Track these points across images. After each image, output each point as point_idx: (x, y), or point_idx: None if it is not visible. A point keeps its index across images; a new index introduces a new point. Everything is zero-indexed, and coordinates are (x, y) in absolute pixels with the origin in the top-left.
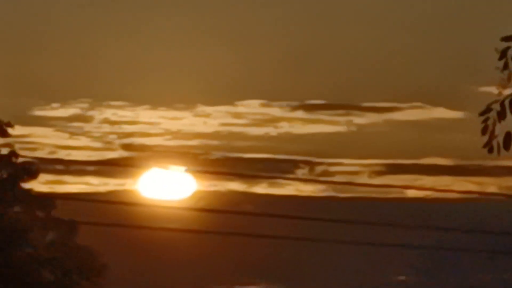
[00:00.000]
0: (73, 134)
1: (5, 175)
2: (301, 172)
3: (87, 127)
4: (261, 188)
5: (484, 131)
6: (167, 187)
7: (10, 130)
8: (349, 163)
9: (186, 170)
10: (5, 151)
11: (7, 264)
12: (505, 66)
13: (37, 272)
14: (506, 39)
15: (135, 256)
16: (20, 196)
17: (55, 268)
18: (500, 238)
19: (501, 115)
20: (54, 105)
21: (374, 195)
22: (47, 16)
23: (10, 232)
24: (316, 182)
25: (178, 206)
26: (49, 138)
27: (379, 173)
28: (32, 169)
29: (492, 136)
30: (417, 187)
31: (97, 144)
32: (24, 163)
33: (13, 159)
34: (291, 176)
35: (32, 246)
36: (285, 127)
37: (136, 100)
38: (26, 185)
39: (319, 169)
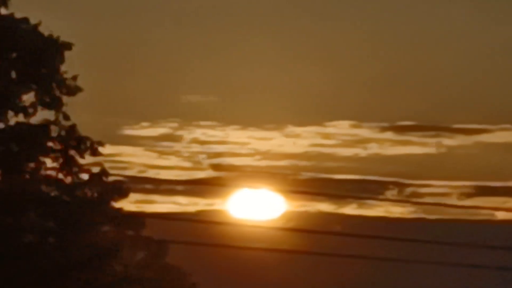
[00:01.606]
0: (162, 153)
1: (95, 194)
2: (390, 193)
3: (176, 146)
4: (350, 209)
5: None
6: (256, 207)
7: (100, 149)
8: (438, 185)
9: (276, 191)
10: (95, 170)
11: (97, 283)
12: None
13: None
14: None
15: (224, 276)
16: (111, 215)
17: None
18: None
19: None
20: (144, 124)
21: (463, 216)
22: (138, 35)
23: (100, 250)
24: (405, 204)
25: (267, 226)
26: (138, 157)
27: (469, 195)
28: (122, 188)
29: None
30: (506, 209)
31: (186, 164)
32: (114, 182)
33: (104, 178)
34: (381, 197)
35: (122, 265)
36: (374, 148)
37: (225, 120)
38: (116, 204)
39: (408, 190)
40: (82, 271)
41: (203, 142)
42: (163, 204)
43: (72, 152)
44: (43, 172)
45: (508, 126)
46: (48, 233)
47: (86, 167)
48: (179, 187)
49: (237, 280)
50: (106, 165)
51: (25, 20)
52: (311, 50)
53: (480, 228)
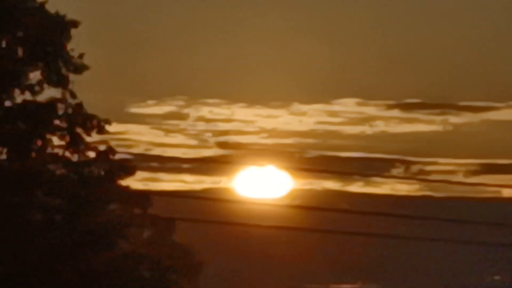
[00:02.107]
0: (168, 131)
1: (102, 172)
2: (396, 171)
3: (182, 124)
4: (356, 187)
5: None
6: (262, 185)
7: (107, 127)
8: (444, 162)
9: (282, 168)
10: (102, 148)
11: (104, 261)
12: None
13: (134, 269)
14: None
15: (231, 254)
16: (117, 193)
17: (152, 266)
18: None
19: None
20: (150, 102)
21: (469, 194)
22: (144, 14)
23: (107, 228)
24: (411, 181)
25: (273, 203)
26: (144, 135)
27: (475, 173)
28: (129, 166)
29: None
30: None
31: (193, 142)
32: (121, 160)
33: (110, 156)
34: (387, 175)
35: (129, 243)
36: (380, 126)
37: (232, 98)
38: (123, 182)
39: (414, 168)
40: (90, 249)
41: (209, 120)
42: (169, 182)
43: (78, 130)
44: (49, 150)
45: None
46: (55, 211)
47: (92, 145)
48: (185, 165)
49: (243, 258)
50: (113, 143)
51: None
52: (317, 28)
53: (487, 205)
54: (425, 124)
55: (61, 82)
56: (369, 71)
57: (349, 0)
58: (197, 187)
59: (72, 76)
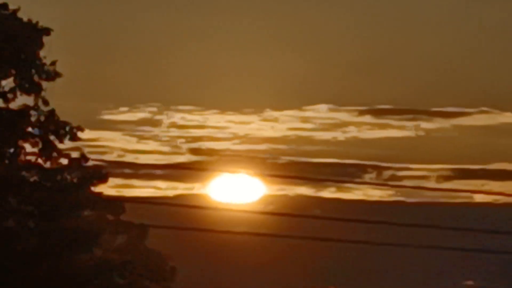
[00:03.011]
0: (141, 138)
1: (75, 179)
2: (369, 177)
3: (155, 131)
4: (329, 193)
5: None
6: (235, 191)
7: (80, 134)
8: (417, 168)
9: (255, 174)
10: (75, 155)
11: (78, 267)
12: None
13: (107, 275)
14: None
15: (204, 260)
16: (91, 200)
17: (125, 272)
18: None
19: None
20: (123, 109)
21: (442, 199)
22: (116, 21)
23: (80, 235)
24: (384, 187)
25: (246, 209)
26: (117, 142)
27: (447, 178)
28: (102, 173)
29: None
30: (485, 192)
31: (165, 148)
32: (94, 166)
33: (83, 163)
34: (359, 180)
35: (102, 249)
36: (353, 132)
37: (204, 104)
38: (96, 189)
39: (387, 173)
40: (62, 255)
41: (182, 127)
42: (142, 189)
43: (51, 137)
44: (22, 157)
45: (486, 109)
46: (28, 218)
47: (65, 152)
48: (158, 172)
49: (216, 264)
50: (85, 150)
51: (4, 5)
52: (290, 35)
53: (459, 210)
54: (397, 130)
55: (34, 89)
56: (341, 78)
57: (322, 8)
58: (170, 193)
59: (44, 83)
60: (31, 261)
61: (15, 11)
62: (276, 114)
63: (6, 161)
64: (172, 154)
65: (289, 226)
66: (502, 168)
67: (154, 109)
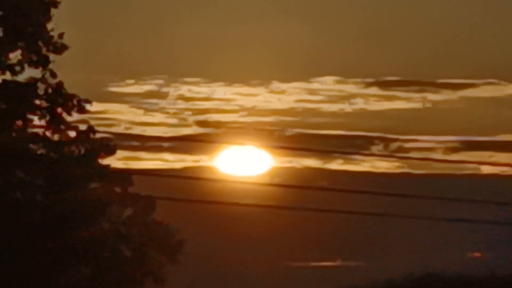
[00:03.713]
0: (148, 110)
1: (83, 151)
2: (376, 149)
3: (162, 103)
4: (336, 165)
5: None
6: (242, 163)
7: (87, 107)
8: (424, 140)
9: (262, 146)
10: (82, 127)
11: (85, 239)
12: None
13: (114, 247)
14: None
15: (211, 232)
16: (98, 172)
17: (132, 244)
18: None
19: None
20: (129, 81)
21: (449, 171)
22: None
23: (88, 207)
24: (391, 159)
25: (254, 182)
26: (124, 114)
27: (454, 150)
28: (109, 145)
29: None
30: (492, 163)
31: (172, 121)
32: (101, 139)
33: (91, 135)
34: (366, 152)
35: (110, 222)
36: (360, 104)
37: (211, 76)
38: (104, 161)
39: (394, 145)
40: (70, 228)
41: (188, 99)
42: (149, 161)
43: (59, 110)
44: (30, 129)
45: (493, 80)
46: (35, 190)
47: (73, 125)
48: (166, 144)
49: (224, 236)
50: (92, 122)
51: None
52: (296, 6)
53: (466, 182)
54: (404, 102)
55: (41, 62)
56: (348, 49)
57: None
58: (178, 165)
59: (52, 56)
60: (38, 234)
61: None
62: (283, 86)
63: (14, 134)
64: (179, 126)
65: (297, 198)
66: (510, 139)
67: (161, 81)
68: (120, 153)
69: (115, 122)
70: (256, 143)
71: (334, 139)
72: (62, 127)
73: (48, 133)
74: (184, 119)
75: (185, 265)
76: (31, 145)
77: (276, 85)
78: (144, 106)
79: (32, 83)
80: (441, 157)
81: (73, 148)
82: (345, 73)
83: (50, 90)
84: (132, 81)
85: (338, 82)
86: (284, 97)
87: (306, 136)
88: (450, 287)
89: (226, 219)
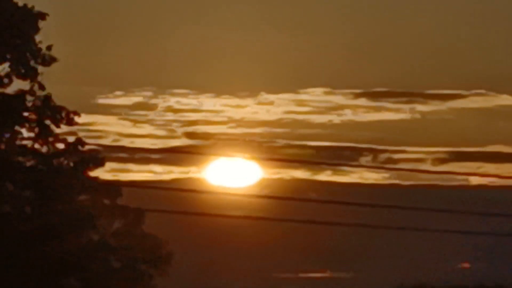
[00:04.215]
0: (136, 122)
1: (72, 163)
2: (364, 160)
3: (150, 115)
4: (325, 176)
5: None
6: (231, 175)
7: (76, 119)
8: (412, 151)
9: (250, 158)
10: (71, 139)
11: (74, 251)
12: None
13: (104, 259)
14: None
15: (201, 244)
16: (87, 184)
17: (121, 256)
18: None
19: None
20: (118, 93)
21: (437, 182)
22: (110, 4)
23: (77, 219)
24: (380, 170)
25: (243, 193)
26: (112, 126)
27: (443, 161)
28: (98, 157)
29: None
30: (481, 174)
31: (161, 132)
32: (90, 151)
33: (80, 148)
34: (355, 163)
35: (99, 233)
36: (348, 115)
37: (199, 88)
38: (93, 173)
39: (382, 156)
40: (59, 240)
41: (177, 110)
42: (138, 173)
43: (47, 122)
44: (19, 142)
45: (482, 91)
46: (25, 202)
47: (61, 137)
48: (154, 156)
49: (213, 248)
50: (81, 134)
51: None
52: (285, 16)
53: (455, 193)
54: (392, 113)
55: (30, 74)
56: (336, 60)
57: None
58: (166, 177)
59: (40, 68)
60: (27, 246)
61: None
62: (271, 97)
63: (3, 146)
64: (168, 138)
65: (285, 210)
66: (498, 150)
67: (149, 93)
68: (108, 165)
69: (104, 134)
70: (245, 155)
71: (323, 150)
72: (51, 139)
73: (37, 145)
74: (173, 131)
75: (173, 277)
76: (20, 157)
77: (264, 96)
78: (133, 117)
79: (20, 95)
80: (430, 168)
81: (62, 160)
82: (333, 84)
83: (38, 103)
84: (121, 92)
85: (327, 93)
86: (272, 108)
87: (295, 148)
88: None
89: (215, 231)
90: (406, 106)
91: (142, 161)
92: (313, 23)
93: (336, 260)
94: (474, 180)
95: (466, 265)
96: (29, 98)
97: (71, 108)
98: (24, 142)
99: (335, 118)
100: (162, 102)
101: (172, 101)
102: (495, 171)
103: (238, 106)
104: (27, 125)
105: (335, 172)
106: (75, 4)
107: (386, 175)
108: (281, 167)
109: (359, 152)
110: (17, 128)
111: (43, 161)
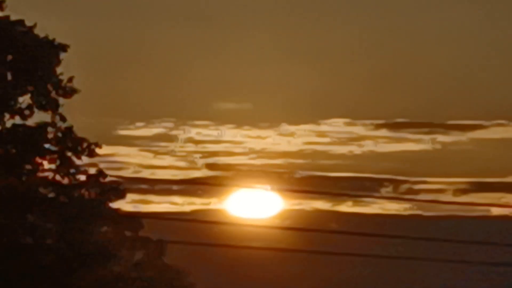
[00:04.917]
0: (157, 153)
1: (93, 195)
2: (385, 191)
3: (171, 146)
4: (346, 207)
5: None
6: (253, 206)
7: (97, 150)
8: (433, 181)
9: (272, 189)
10: (92, 171)
11: (96, 283)
12: None
13: None
14: None
15: (222, 275)
16: (109, 216)
17: (142, 287)
18: None
19: None
20: (139, 124)
21: (459, 213)
22: (131, 36)
23: (99, 251)
24: (400, 201)
25: (264, 224)
26: (133, 157)
27: (464, 191)
28: (119, 189)
29: None
30: (502, 205)
31: (182, 163)
32: (111, 182)
33: (101, 179)
34: (376, 194)
35: (120, 265)
36: (369, 146)
37: (220, 119)
38: (114, 205)
39: (403, 187)
40: (80, 271)
41: (198, 142)
42: (159, 204)
43: (69, 154)
44: (40, 173)
45: (502, 121)
46: (46, 234)
47: (83, 169)
48: (175, 187)
49: (234, 279)
50: (102, 165)
51: (21, 22)
52: (305, 48)
53: (476, 224)
54: (413, 143)
55: (51, 105)
56: (357, 91)
57: (337, 20)
58: (187, 208)
59: (61, 100)
60: (48, 278)
61: (31, 28)
62: (292, 128)
63: (24, 178)
64: (188, 169)
65: (307, 241)
66: None
67: (170, 124)
68: (129, 196)
69: (125, 165)
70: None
71: (344, 181)
72: (72, 171)
73: (58, 177)
74: (193, 162)
75: None
76: (41, 189)
77: (285, 127)
78: (154, 149)
79: (41, 127)
80: (451, 199)
81: (83, 191)
82: (354, 115)
83: (59, 134)
84: (141, 124)
85: (347, 124)
86: (293, 139)
87: (316, 178)
88: None
89: (237, 262)
90: (427, 137)
91: (163, 192)
92: (334, 54)
93: None
94: (495, 211)
95: None
96: (50, 129)
97: (92, 139)
98: (45, 173)
99: (355, 149)
100: (182, 133)
101: (193, 132)
102: None
103: (258, 137)
104: (48, 157)
105: (356, 203)
106: (97, 36)
107: (407, 206)
108: (302, 198)
109: (380, 183)
110: (38, 159)
111: (64, 193)
